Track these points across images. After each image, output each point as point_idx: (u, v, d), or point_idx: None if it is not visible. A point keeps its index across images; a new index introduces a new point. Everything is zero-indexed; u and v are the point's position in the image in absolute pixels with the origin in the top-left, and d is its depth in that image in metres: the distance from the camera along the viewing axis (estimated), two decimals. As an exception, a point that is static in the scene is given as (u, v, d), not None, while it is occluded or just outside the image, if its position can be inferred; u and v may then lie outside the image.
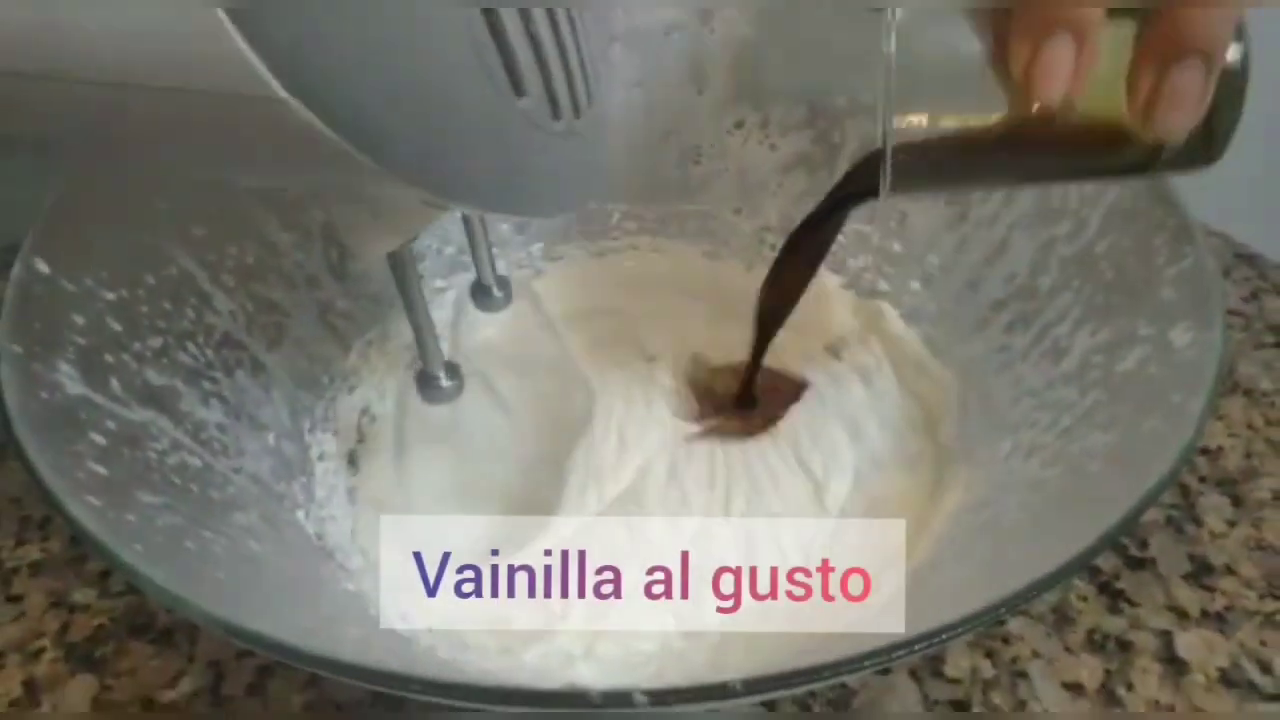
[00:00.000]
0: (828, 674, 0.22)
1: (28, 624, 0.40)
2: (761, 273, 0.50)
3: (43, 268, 0.32)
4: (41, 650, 0.39)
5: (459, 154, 0.22)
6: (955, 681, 0.38)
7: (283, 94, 0.17)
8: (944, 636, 0.24)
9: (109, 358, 0.33)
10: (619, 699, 0.20)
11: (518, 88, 0.23)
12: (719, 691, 0.20)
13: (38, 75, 0.19)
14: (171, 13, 0.17)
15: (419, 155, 0.21)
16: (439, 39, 0.21)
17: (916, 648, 0.23)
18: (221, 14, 0.16)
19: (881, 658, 0.22)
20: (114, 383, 0.32)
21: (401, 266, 0.32)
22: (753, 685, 0.20)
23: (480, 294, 0.41)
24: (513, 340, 0.42)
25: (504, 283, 0.41)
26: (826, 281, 0.48)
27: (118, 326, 0.34)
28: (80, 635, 0.40)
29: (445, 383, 0.35)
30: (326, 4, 0.18)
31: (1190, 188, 0.35)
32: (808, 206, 0.48)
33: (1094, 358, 0.35)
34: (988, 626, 0.24)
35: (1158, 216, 0.35)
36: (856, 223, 0.48)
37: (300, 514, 0.38)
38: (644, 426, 0.42)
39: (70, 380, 0.30)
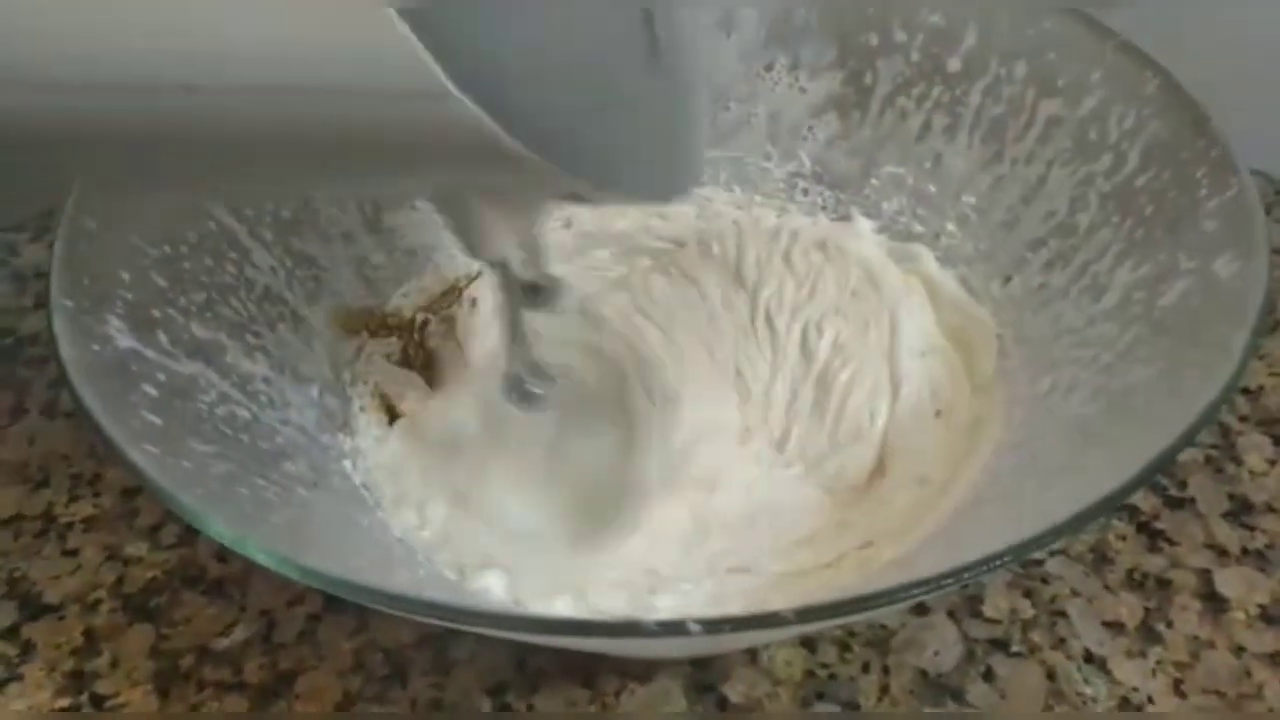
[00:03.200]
0: (875, 602, 0.22)
1: (84, 576, 0.41)
2: (792, 219, 0.50)
3: (89, 224, 0.32)
4: (99, 601, 0.40)
5: (619, 141, 0.22)
6: (994, 621, 0.38)
7: (455, 90, 0.17)
8: (987, 568, 0.24)
9: (155, 312, 0.33)
10: (674, 628, 0.20)
11: (655, 63, 0.23)
12: (771, 620, 0.20)
13: (179, 87, 0.18)
14: (337, 14, 0.17)
15: (582, 146, 0.20)
16: (602, 24, 0.21)
17: (961, 577, 0.24)
18: (391, 12, 0.16)
19: (926, 588, 0.22)
20: (161, 336, 0.33)
21: (505, 269, 0.31)
22: (803, 615, 0.20)
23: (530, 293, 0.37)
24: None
25: (554, 281, 0.37)
26: (860, 225, 0.48)
27: (162, 282, 0.34)
28: (135, 587, 0.41)
29: (535, 387, 0.34)
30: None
31: (1230, 126, 0.34)
32: (840, 151, 0.49)
33: (1135, 293, 0.35)
34: (1024, 559, 0.24)
35: (1199, 148, 0.34)
36: (890, 165, 0.47)
37: (346, 464, 0.38)
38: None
39: (120, 334, 0.31)
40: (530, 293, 0.36)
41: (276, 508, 0.30)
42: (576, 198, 0.26)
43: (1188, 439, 0.25)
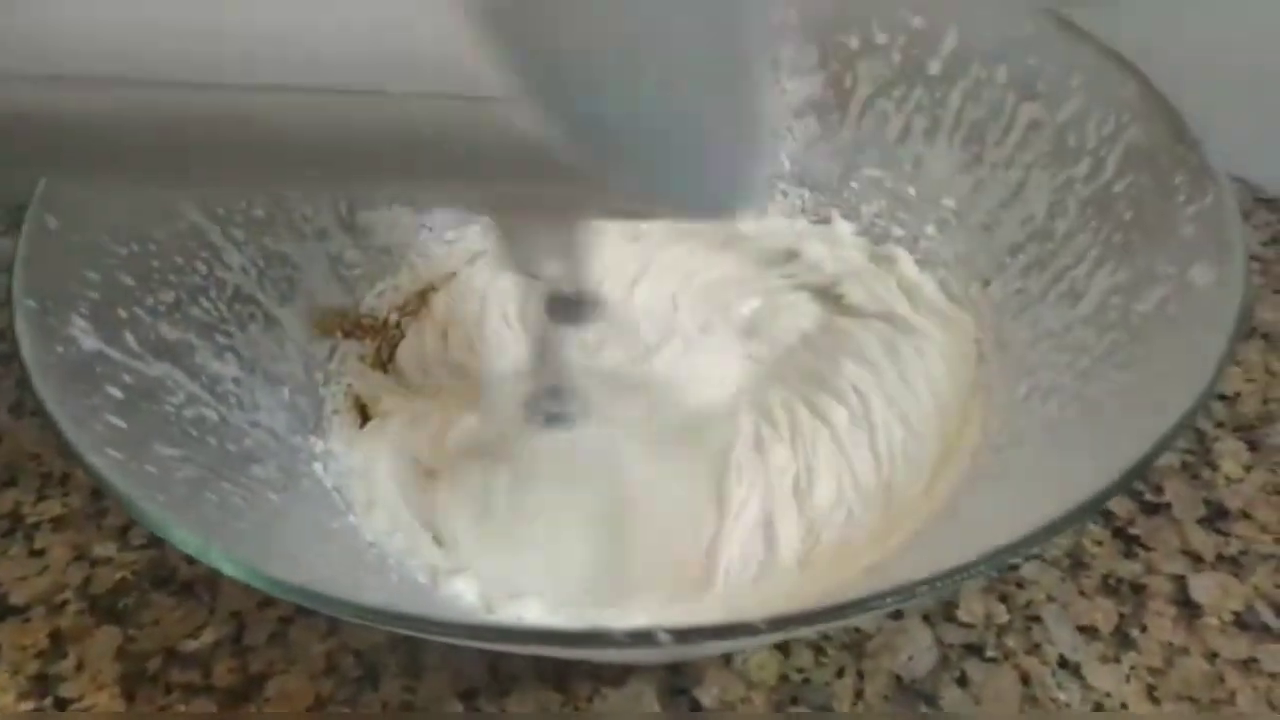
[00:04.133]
0: (849, 612, 0.22)
1: (51, 577, 0.40)
2: (771, 221, 0.50)
3: (52, 223, 0.32)
4: (65, 603, 0.40)
5: (683, 155, 0.20)
6: (969, 626, 0.38)
7: (520, 93, 0.16)
8: (963, 575, 0.24)
9: (122, 312, 0.32)
10: (643, 638, 0.20)
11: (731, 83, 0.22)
12: (743, 630, 0.20)
13: (211, 85, 0.17)
14: (399, 13, 0.15)
15: (646, 160, 0.19)
16: (681, 34, 0.19)
17: (937, 585, 0.23)
18: (459, 9, 0.15)
19: (901, 595, 0.22)
20: (128, 337, 0.32)
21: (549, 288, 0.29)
22: (775, 624, 0.20)
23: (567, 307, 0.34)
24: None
25: (594, 296, 0.33)
26: (839, 228, 0.48)
27: (129, 281, 0.33)
28: (103, 588, 0.40)
29: (565, 408, 0.33)
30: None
31: (1209, 133, 0.34)
32: (820, 153, 0.49)
33: (1112, 299, 0.34)
34: (1001, 567, 0.24)
35: (1178, 154, 0.34)
36: (870, 167, 0.47)
37: (317, 466, 0.38)
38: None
39: (84, 334, 0.30)
40: (566, 306, 0.32)
41: (244, 513, 0.29)
42: (628, 213, 0.25)
43: (1164, 446, 0.25)
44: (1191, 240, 0.32)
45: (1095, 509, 0.24)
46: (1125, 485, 0.24)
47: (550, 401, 0.33)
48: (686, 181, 0.21)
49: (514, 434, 0.37)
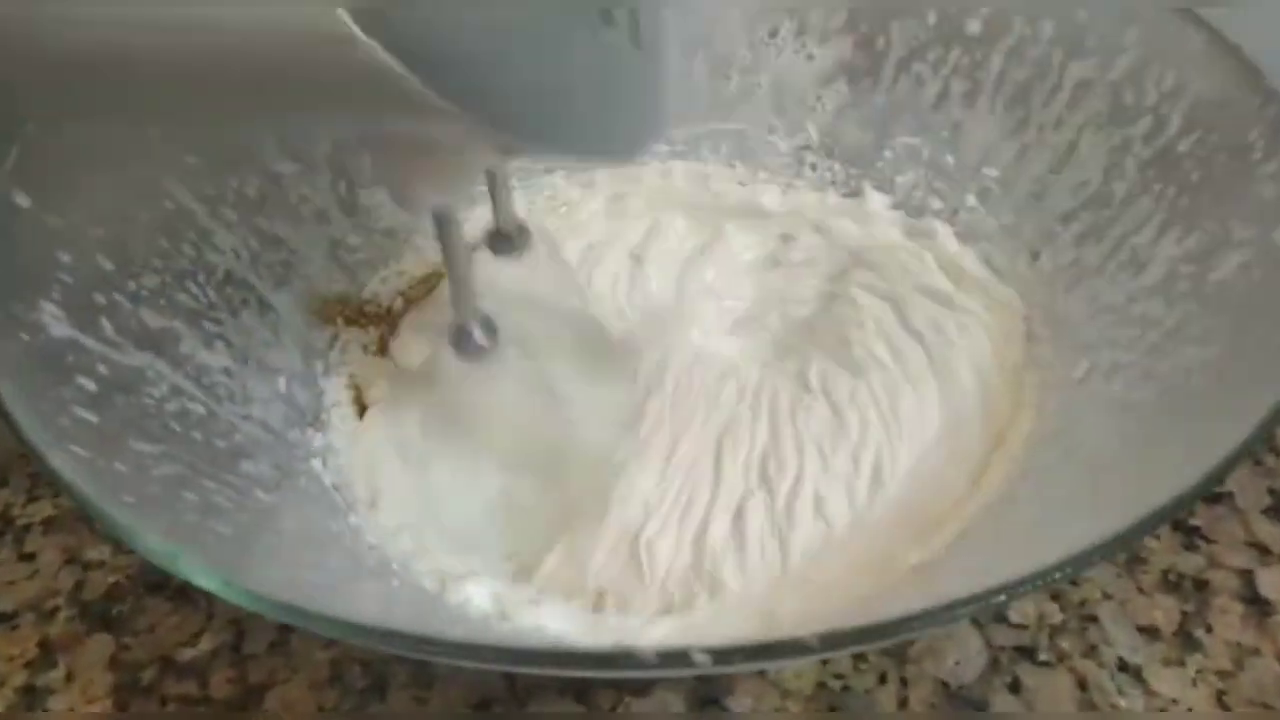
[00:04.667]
0: (912, 627, 0.19)
1: (42, 582, 0.39)
2: (799, 195, 0.47)
3: (23, 201, 0.29)
4: (56, 609, 0.38)
5: (549, 96, 0.21)
6: (1020, 627, 0.36)
7: (361, 35, 0.17)
8: (1034, 584, 0.21)
9: (100, 298, 0.30)
10: (676, 659, 0.17)
11: (606, 16, 0.22)
12: (792, 648, 0.17)
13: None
14: None
15: (508, 98, 0.20)
16: None
17: (1004, 596, 0.20)
18: None
19: (973, 606, 0.19)
20: (106, 324, 0.30)
21: (446, 221, 0.30)
22: (829, 641, 0.17)
23: (497, 240, 0.37)
24: (531, 287, 0.39)
25: (521, 229, 0.37)
26: (872, 201, 0.45)
27: (109, 265, 0.31)
28: (95, 593, 0.38)
29: (483, 340, 0.32)
30: None
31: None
32: (851, 121, 0.46)
33: (1182, 267, 0.32)
34: (1079, 571, 0.21)
35: (1252, 107, 0.31)
36: (905, 135, 0.44)
37: (316, 463, 0.35)
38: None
39: (55, 321, 0.28)
40: (496, 239, 0.36)
41: (229, 514, 0.27)
42: (509, 150, 0.25)
43: (1270, 426, 0.22)
44: (1273, 200, 0.29)
45: (1191, 504, 0.20)
46: (1224, 474, 0.21)
47: (471, 336, 0.32)
48: (554, 121, 0.21)
49: (437, 368, 0.36)
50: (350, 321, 0.41)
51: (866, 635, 0.18)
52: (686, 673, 0.22)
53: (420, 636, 0.18)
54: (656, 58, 0.26)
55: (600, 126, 0.23)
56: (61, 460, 0.22)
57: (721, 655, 0.17)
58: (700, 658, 0.17)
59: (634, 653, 0.17)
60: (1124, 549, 0.20)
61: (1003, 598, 0.19)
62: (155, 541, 0.21)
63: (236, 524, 0.27)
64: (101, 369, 0.28)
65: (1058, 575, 0.21)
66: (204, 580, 0.20)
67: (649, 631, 0.31)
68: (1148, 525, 0.21)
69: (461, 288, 0.31)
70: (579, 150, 0.23)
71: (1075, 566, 0.21)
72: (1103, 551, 0.20)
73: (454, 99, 0.18)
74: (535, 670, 0.19)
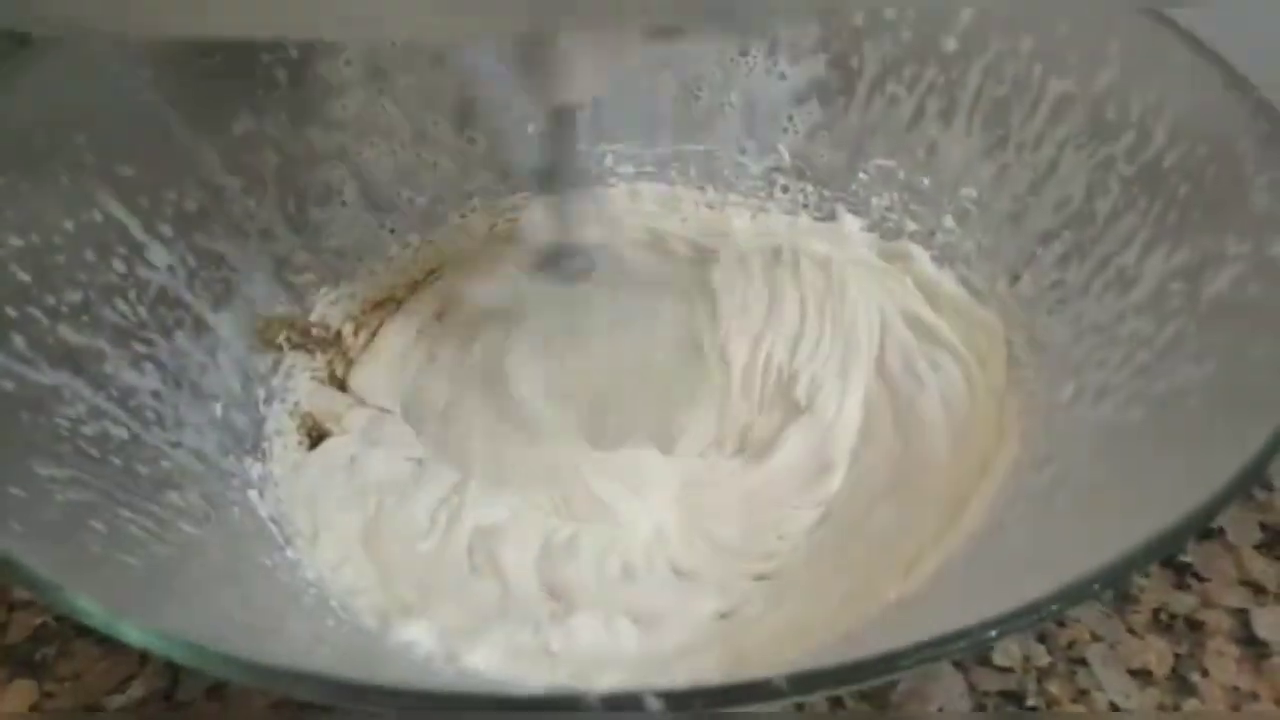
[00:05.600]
0: (893, 667, 0.17)
1: None
2: (770, 219, 0.46)
3: (-73, 203, 0.27)
4: None
5: None
6: (1006, 670, 0.34)
7: None
8: (1025, 619, 0.19)
9: (10, 311, 0.28)
10: (626, 702, 0.15)
11: None
12: (760, 691, 0.15)
13: None
14: None
15: None
16: None
17: (994, 631, 0.18)
18: None
19: (960, 642, 0.17)
20: (16, 339, 0.27)
21: (568, 124, 0.29)
22: (800, 684, 0.15)
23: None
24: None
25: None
26: (846, 224, 0.43)
27: (25, 276, 0.29)
28: (20, 635, 0.36)
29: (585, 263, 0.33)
30: None
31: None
32: (824, 142, 0.44)
33: (1172, 283, 0.30)
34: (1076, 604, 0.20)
35: (1242, 118, 0.30)
36: (879, 157, 0.43)
37: (252, 494, 0.33)
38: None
39: (-46, 332, 0.25)
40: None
41: (142, 546, 0.24)
42: (665, 32, 0.25)
43: (1273, 450, 0.20)
44: (1266, 212, 0.28)
45: (1197, 529, 0.19)
46: (1230, 498, 0.19)
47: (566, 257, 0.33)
48: None
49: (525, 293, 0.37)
50: (295, 345, 0.39)
51: (842, 676, 0.16)
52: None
53: (339, 681, 0.16)
54: None
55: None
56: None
57: (677, 699, 0.15)
58: (653, 703, 0.15)
59: (579, 697, 0.15)
60: (1123, 577, 0.18)
61: (993, 633, 0.17)
62: (34, 571, 0.18)
63: (151, 557, 0.24)
64: (6, 384, 0.26)
65: (1052, 609, 0.19)
66: (88, 614, 0.18)
67: (602, 674, 0.28)
68: (1149, 554, 0.19)
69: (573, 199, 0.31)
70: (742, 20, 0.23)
71: (1070, 599, 0.19)
72: (1103, 580, 0.18)
73: None
74: (476, 716, 0.17)
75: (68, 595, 0.18)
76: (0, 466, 0.23)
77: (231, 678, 0.17)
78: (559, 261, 0.34)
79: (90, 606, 0.18)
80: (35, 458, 0.25)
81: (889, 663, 0.16)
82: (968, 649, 0.18)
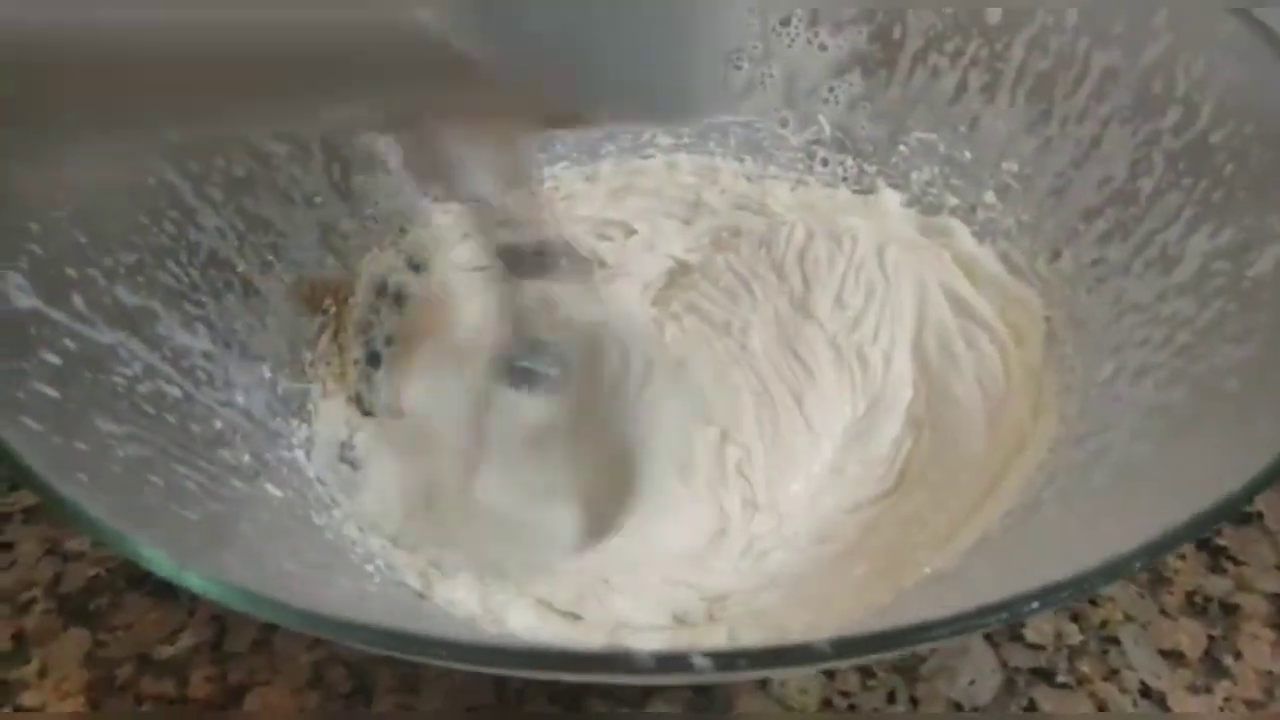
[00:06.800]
0: (930, 635, 0.17)
1: (19, 573, 0.38)
2: (809, 191, 0.46)
3: (-12, 166, 0.28)
4: (33, 601, 0.37)
5: (605, 54, 0.20)
6: (1037, 648, 0.34)
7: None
8: (1059, 594, 0.19)
9: (70, 271, 0.29)
10: (675, 663, 0.15)
11: None
12: (802, 654, 0.15)
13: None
14: None
15: (563, 58, 0.19)
16: None
17: (1035, 604, 0.19)
18: None
19: (995, 615, 0.18)
20: (76, 299, 0.28)
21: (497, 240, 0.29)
22: (842, 647, 0.16)
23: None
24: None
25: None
26: (885, 199, 0.43)
27: (82, 238, 0.30)
28: (74, 586, 0.37)
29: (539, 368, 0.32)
30: None
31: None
32: (864, 115, 0.44)
33: (1215, 263, 0.30)
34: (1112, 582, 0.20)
35: (1291, 95, 0.30)
36: (920, 130, 0.43)
37: (300, 454, 0.34)
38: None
39: (20, 292, 0.26)
40: (533, 259, 0.32)
41: (197, 501, 0.25)
42: (561, 121, 0.23)
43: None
44: (1315, 191, 0.28)
45: (1234, 511, 0.19)
46: (1269, 480, 0.19)
47: (520, 363, 0.32)
48: (605, 81, 0.21)
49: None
50: (341, 302, 0.39)
51: (881, 642, 0.16)
52: (687, 679, 0.20)
53: (401, 633, 0.17)
54: (710, 15, 0.25)
55: (657, 88, 0.22)
56: (10, 431, 0.21)
57: (724, 660, 0.15)
58: (701, 662, 0.15)
59: (630, 655, 0.16)
60: (1164, 554, 0.18)
61: (1036, 605, 0.17)
62: (101, 519, 0.19)
63: (205, 511, 0.25)
64: (68, 344, 0.27)
65: (1085, 585, 0.19)
66: (153, 560, 0.18)
67: (647, 638, 0.29)
68: (1188, 532, 0.19)
69: (520, 316, 0.30)
70: (636, 113, 0.24)
71: (1108, 575, 0.19)
72: (1141, 557, 0.18)
73: (507, 61, 0.17)
74: (526, 673, 0.17)
75: (133, 543, 0.18)
76: (66, 422, 0.24)
77: (289, 625, 0.18)
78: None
79: (156, 555, 0.18)
80: (96, 414, 0.26)
81: (925, 631, 0.17)
82: (1002, 622, 0.19)
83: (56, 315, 0.27)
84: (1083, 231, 0.37)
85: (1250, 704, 0.33)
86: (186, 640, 0.35)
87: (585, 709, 0.33)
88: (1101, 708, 0.33)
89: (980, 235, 0.41)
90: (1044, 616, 0.35)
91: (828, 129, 0.45)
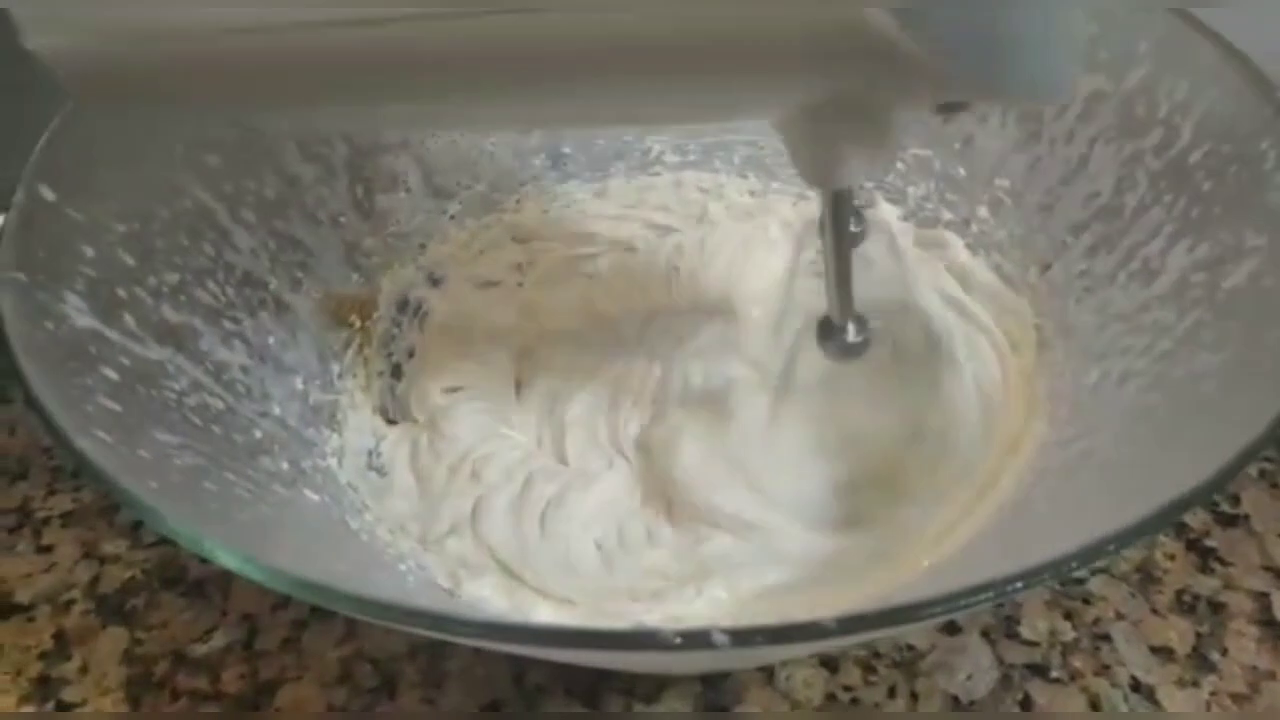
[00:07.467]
0: (933, 612, 0.19)
1: (58, 575, 0.39)
2: (810, 206, 0.47)
3: (48, 194, 0.30)
4: (72, 602, 0.38)
5: (1006, 34, 0.21)
6: (1032, 644, 0.36)
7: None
8: (1052, 573, 0.21)
9: (121, 292, 0.30)
10: (696, 640, 0.17)
11: None
12: (813, 630, 0.17)
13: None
14: None
15: (971, 42, 0.20)
16: None
17: (1024, 583, 0.21)
18: None
19: (993, 591, 0.19)
20: (127, 318, 0.30)
21: (842, 201, 0.29)
22: (846, 624, 0.17)
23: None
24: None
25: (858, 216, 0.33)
26: (885, 211, 0.45)
27: (130, 260, 0.31)
28: (111, 587, 0.39)
29: (854, 337, 0.32)
30: None
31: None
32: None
33: (1193, 275, 0.32)
34: (1088, 566, 0.21)
35: (1264, 118, 0.31)
36: (916, 148, 0.44)
37: (332, 461, 0.36)
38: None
39: (78, 312, 0.28)
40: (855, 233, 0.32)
41: (247, 505, 0.27)
42: (949, 107, 0.25)
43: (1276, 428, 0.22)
44: (1283, 209, 0.29)
45: (1200, 501, 0.21)
46: (1232, 475, 0.21)
47: (843, 333, 0.32)
48: (1003, 62, 0.22)
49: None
50: (366, 318, 0.41)
51: (884, 619, 0.18)
52: (704, 659, 0.22)
53: (440, 615, 0.19)
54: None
55: (1038, 66, 0.23)
56: (88, 444, 0.23)
57: (740, 636, 0.17)
58: (720, 638, 0.17)
59: (657, 633, 0.17)
60: (1140, 538, 0.20)
61: (1020, 585, 0.19)
62: (179, 522, 0.21)
63: (257, 515, 0.27)
64: (123, 360, 0.28)
65: (1074, 565, 0.21)
66: (227, 558, 0.20)
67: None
68: (1163, 518, 0.21)
69: (844, 281, 0.31)
70: (1022, 94, 0.24)
71: (1091, 556, 0.21)
72: (1118, 541, 0.20)
73: (928, 47, 0.18)
74: (554, 651, 0.19)
75: (208, 543, 0.20)
76: (129, 433, 0.26)
77: (348, 611, 0.20)
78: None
79: (225, 552, 0.20)
80: (153, 426, 0.27)
81: (921, 609, 0.18)
82: (999, 600, 0.20)
83: (111, 333, 0.29)
84: (1071, 244, 0.38)
85: (1236, 698, 0.34)
86: (219, 639, 0.37)
87: (601, 705, 0.34)
88: (1094, 702, 0.34)
89: (974, 247, 0.43)
90: (1039, 614, 0.36)
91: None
